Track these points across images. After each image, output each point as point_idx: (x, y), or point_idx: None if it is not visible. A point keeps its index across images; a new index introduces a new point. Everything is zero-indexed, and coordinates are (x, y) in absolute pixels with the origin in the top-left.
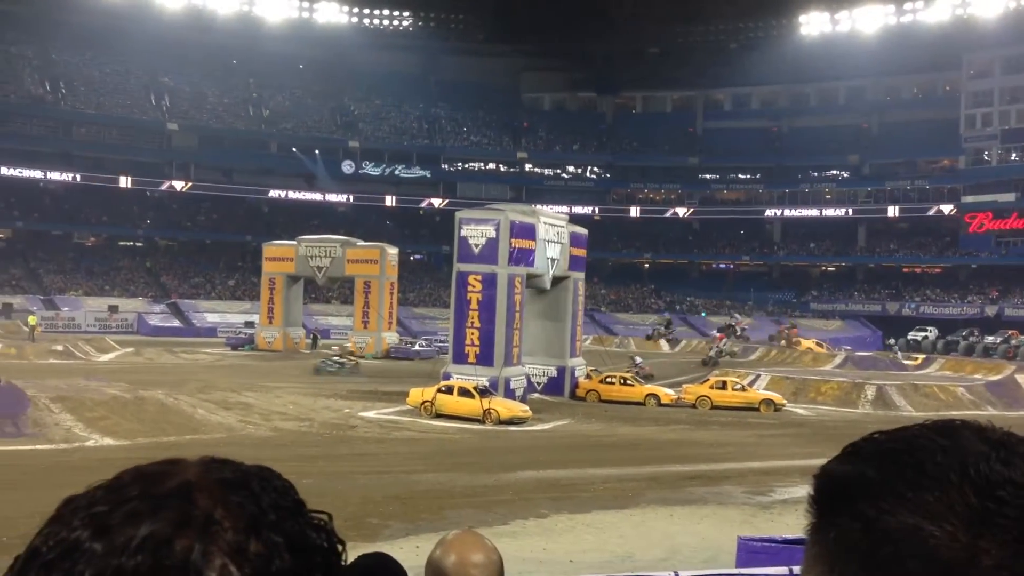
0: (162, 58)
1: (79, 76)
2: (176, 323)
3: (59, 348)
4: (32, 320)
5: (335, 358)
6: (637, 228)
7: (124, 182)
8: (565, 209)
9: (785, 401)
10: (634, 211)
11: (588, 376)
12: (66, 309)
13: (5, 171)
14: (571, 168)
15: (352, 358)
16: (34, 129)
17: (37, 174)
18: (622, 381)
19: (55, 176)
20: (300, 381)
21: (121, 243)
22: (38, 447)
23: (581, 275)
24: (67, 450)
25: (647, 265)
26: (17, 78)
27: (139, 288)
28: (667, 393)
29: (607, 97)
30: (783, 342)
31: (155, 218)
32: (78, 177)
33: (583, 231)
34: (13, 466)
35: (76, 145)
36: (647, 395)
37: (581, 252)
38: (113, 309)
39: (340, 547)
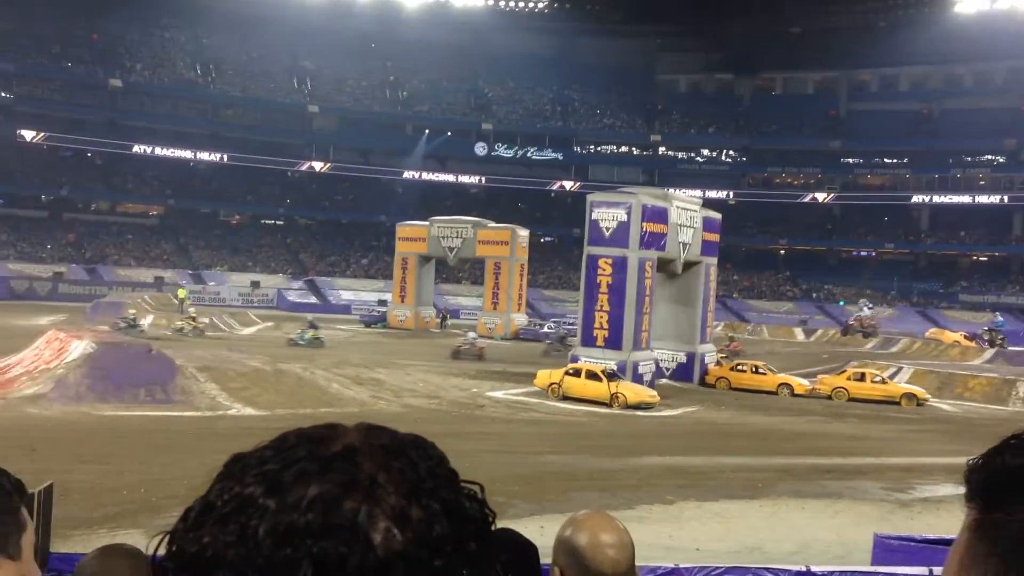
0: (304, 43)
1: (227, 60)
2: (313, 299)
3: (205, 320)
4: (181, 293)
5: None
6: (773, 213)
7: (267, 163)
8: (699, 193)
9: (928, 396)
10: (770, 195)
11: (718, 363)
12: (212, 283)
13: (159, 151)
14: (706, 151)
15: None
16: (185, 111)
17: (188, 154)
18: (754, 369)
19: (204, 156)
20: (431, 359)
21: (263, 221)
22: (185, 413)
23: (714, 260)
24: (211, 417)
25: (783, 251)
26: (171, 62)
27: (279, 265)
28: (801, 383)
29: (745, 79)
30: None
31: (295, 197)
32: (225, 157)
33: (717, 216)
34: (162, 431)
35: (223, 126)
36: (780, 384)
37: (714, 237)
38: (255, 284)
39: (491, 517)
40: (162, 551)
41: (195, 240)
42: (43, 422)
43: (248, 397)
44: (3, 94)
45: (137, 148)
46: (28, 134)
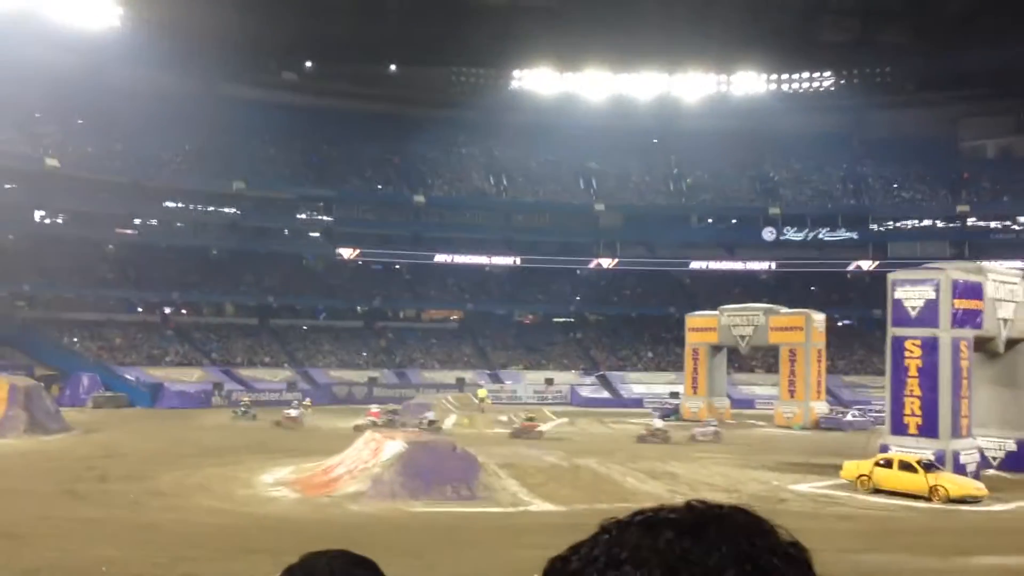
0: (589, 145)
1: (516, 168)
2: (605, 394)
3: (504, 418)
4: (481, 393)
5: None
6: None
7: (557, 263)
8: (1018, 264)
9: None
10: None
11: None
12: (509, 382)
13: (458, 259)
14: (1022, 219)
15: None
16: (480, 219)
17: (483, 259)
18: None
19: (498, 261)
20: (727, 452)
21: (555, 320)
22: (488, 509)
23: None
24: (513, 513)
25: None
26: (467, 175)
27: (571, 361)
28: None
29: None
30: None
31: (584, 295)
32: (517, 260)
33: None
34: (468, 525)
35: (515, 231)
36: None
37: None
38: (549, 381)
39: None
40: None
41: (492, 341)
42: (363, 519)
43: (546, 492)
44: (326, 218)
45: (438, 258)
46: (346, 252)
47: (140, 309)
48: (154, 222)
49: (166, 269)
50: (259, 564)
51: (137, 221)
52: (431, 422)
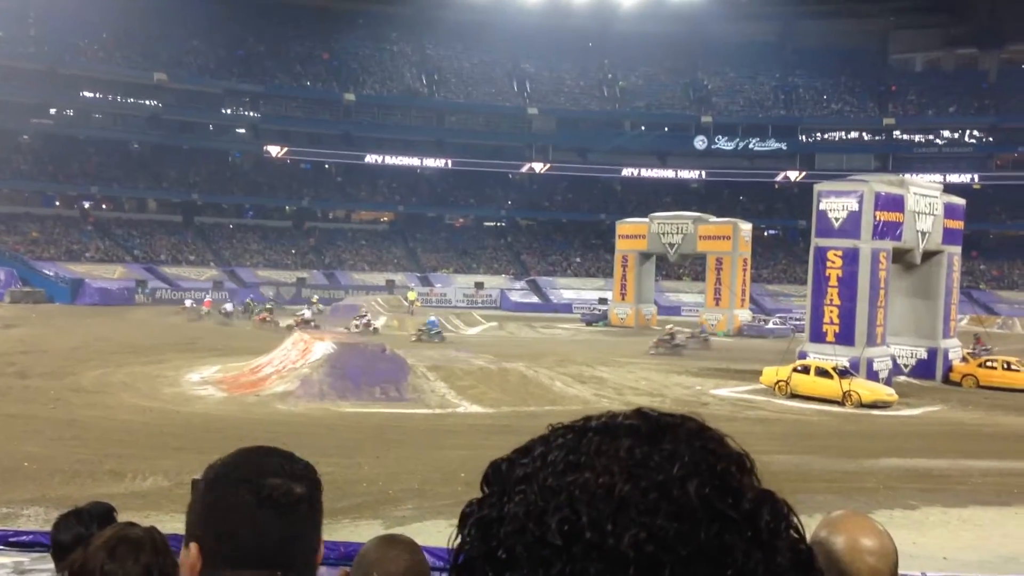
0: (523, 46)
1: (450, 68)
2: (535, 299)
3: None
4: (411, 295)
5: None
6: None
7: (489, 166)
8: (939, 178)
9: None
10: (1022, 178)
11: (964, 359)
12: (439, 285)
13: (389, 160)
14: (946, 133)
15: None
16: (412, 119)
17: (415, 161)
18: (1005, 365)
19: (429, 163)
20: (651, 357)
21: (486, 223)
22: (417, 411)
23: (957, 249)
24: (441, 415)
25: None
26: (398, 74)
27: (502, 266)
28: None
29: (991, 52)
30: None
31: (516, 199)
32: (449, 163)
33: (960, 201)
34: (397, 427)
35: (447, 133)
36: None
37: (957, 224)
38: (479, 285)
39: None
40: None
41: (422, 244)
42: (290, 418)
43: (475, 395)
44: (252, 114)
45: (369, 158)
46: (273, 149)
47: (58, 203)
48: (71, 112)
49: (85, 162)
50: (186, 461)
51: (53, 111)
52: (367, 324)
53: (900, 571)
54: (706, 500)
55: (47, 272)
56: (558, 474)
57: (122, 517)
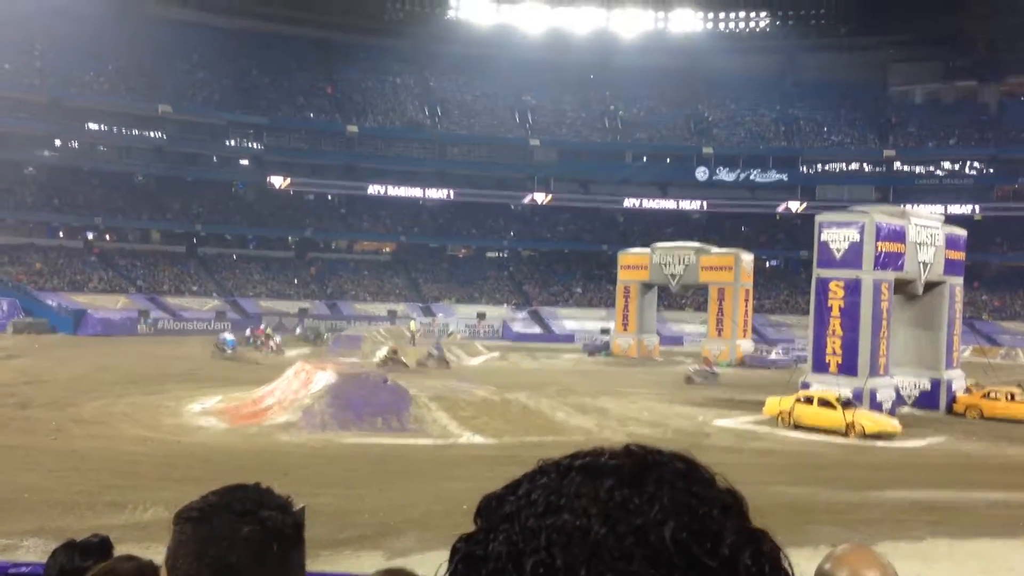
0: (525, 79)
1: (452, 101)
2: (537, 329)
3: (435, 352)
4: (413, 326)
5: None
6: None
7: (491, 197)
8: (939, 209)
9: None
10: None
11: (968, 390)
12: (441, 315)
13: (391, 190)
14: (946, 164)
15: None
16: (414, 151)
17: (417, 192)
18: (1009, 396)
19: (432, 194)
20: (655, 387)
21: (488, 254)
22: (419, 441)
23: (959, 280)
24: (443, 445)
25: None
26: (401, 106)
27: (504, 296)
28: None
29: (990, 85)
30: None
31: (518, 230)
32: (451, 194)
33: (961, 232)
34: (399, 457)
35: (449, 164)
36: None
37: (959, 255)
38: (481, 316)
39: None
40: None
41: (424, 274)
42: (293, 448)
43: (477, 425)
44: (256, 145)
45: (371, 189)
46: (276, 180)
47: (62, 234)
48: (75, 144)
49: (89, 193)
50: (187, 493)
51: (58, 143)
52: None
53: None
54: (682, 545)
55: (50, 303)
56: (538, 515)
57: (122, 548)
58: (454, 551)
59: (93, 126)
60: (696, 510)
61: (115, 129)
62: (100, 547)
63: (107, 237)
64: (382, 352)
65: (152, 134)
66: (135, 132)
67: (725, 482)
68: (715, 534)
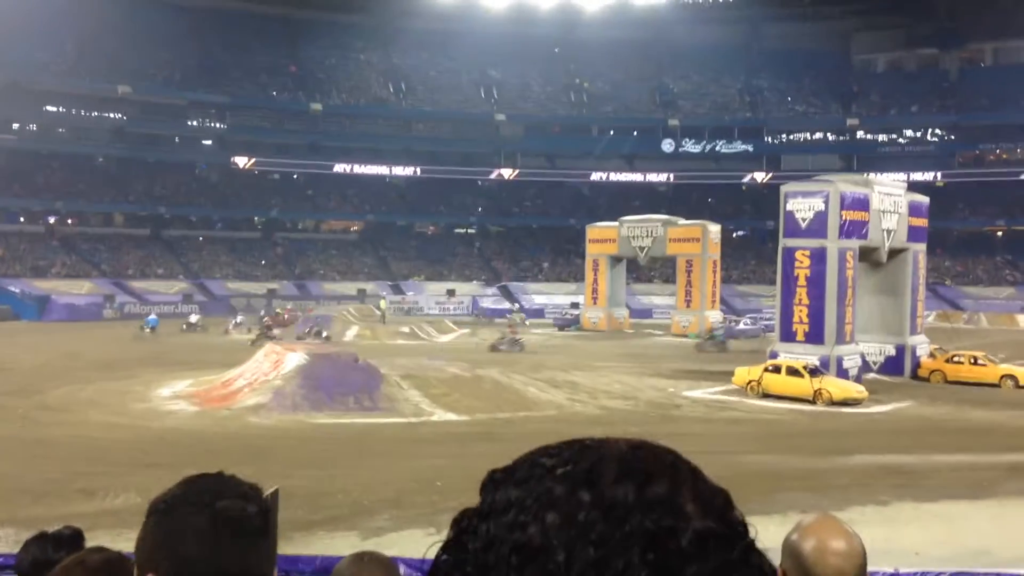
0: (489, 54)
1: (417, 77)
2: (507, 304)
3: (405, 330)
4: (383, 304)
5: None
6: (988, 193)
7: (457, 173)
8: (902, 176)
9: None
10: (984, 174)
11: (932, 355)
12: (411, 293)
13: (357, 169)
14: (909, 132)
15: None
16: (379, 128)
17: (383, 170)
18: (972, 360)
19: (398, 171)
20: (625, 360)
21: (456, 230)
22: (391, 420)
23: (922, 247)
24: (415, 423)
25: (1000, 233)
26: (365, 83)
27: (473, 272)
28: None
29: (951, 52)
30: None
31: (486, 206)
32: (418, 171)
33: (923, 199)
34: (371, 436)
35: (415, 141)
36: (1003, 376)
37: (921, 222)
38: (451, 293)
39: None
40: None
41: (393, 252)
42: (264, 431)
43: (449, 403)
44: (219, 125)
45: (337, 167)
46: (240, 160)
47: (22, 219)
48: (34, 127)
49: (49, 177)
50: (158, 478)
51: (16, 126)
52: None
53: (873, 568)
54: (651, 566)
55: (12, 289)
56: (505, 527)
57: (94, 536)
58: (435, 566)
59: (52, 108)
60: (665, 544)
61: (74, 111)
62: (72, 539)
63: (69, 221)
64: (251, 335)
65: (112, 115)
66: (95, 114)
67: (704, 491)
68: (681, 553)
